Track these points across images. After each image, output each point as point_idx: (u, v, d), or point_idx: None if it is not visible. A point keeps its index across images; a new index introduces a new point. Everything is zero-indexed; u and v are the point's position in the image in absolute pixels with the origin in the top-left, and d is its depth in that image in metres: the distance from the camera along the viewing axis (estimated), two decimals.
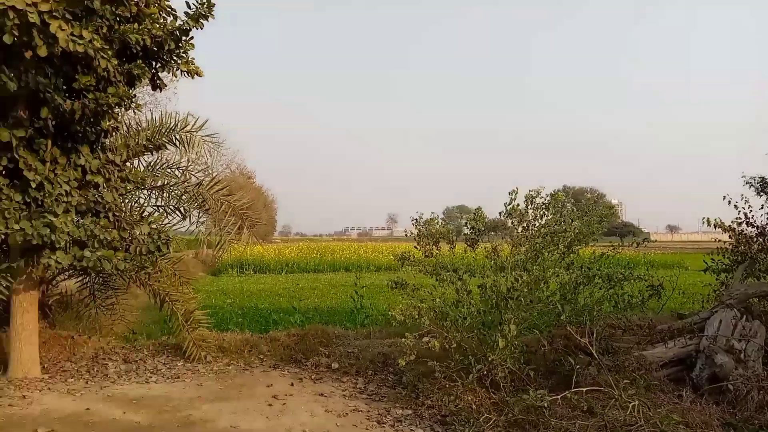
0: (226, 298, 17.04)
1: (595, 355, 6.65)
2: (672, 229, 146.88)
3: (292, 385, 7.55)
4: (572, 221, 7.66)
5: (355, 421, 6.19)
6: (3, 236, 6.68)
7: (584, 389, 6.07)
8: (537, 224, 7.65)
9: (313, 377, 7.90)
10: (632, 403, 5.55)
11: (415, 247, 7.99)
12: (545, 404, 5.61)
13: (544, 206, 7.67)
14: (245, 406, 6.66)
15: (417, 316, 6.79)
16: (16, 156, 6.59)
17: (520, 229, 7.67)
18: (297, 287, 20.17)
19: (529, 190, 7.68)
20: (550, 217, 7.72)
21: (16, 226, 6.48)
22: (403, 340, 6.83)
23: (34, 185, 6.71)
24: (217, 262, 28.89)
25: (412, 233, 8.20)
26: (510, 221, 7.77)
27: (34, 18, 5.24)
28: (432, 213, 8.04)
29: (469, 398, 6.38)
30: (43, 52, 5.56)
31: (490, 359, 6.52)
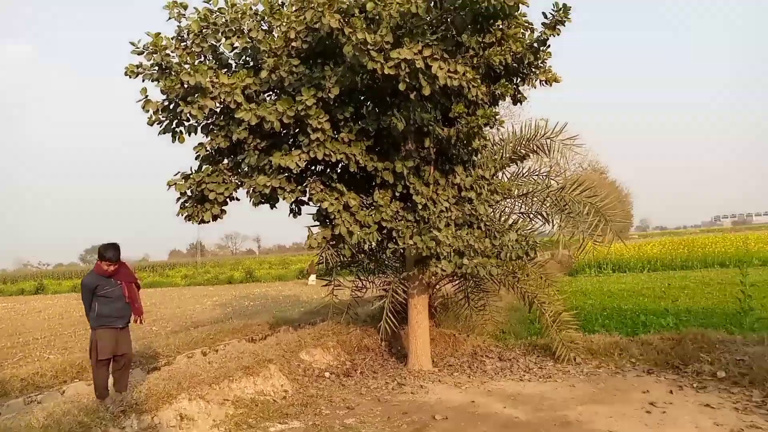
0: (587, 298, 16.69)
1: None
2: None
3: (671, 392, 7.00)
4: None
5: None
6: (401, 250, 7.91)
7: None
8: None
9: (695, 386, 7.19)
10: None
11: None
12: None
13: None
14: (621, 410, 6.45)
15: None
16: (408, 183, 7.75)
17: None
18: (666, 287, 18.49)
19: None
20: None
21: (411, 241, 7.62)
22: None
23: (420, 206, 7.77)
24: (573, 263, 28.54)
25: None
26: None
27: (419, 64, 6.06)
28: None
29: None
30: (427, 91, 6.39)
31: None
